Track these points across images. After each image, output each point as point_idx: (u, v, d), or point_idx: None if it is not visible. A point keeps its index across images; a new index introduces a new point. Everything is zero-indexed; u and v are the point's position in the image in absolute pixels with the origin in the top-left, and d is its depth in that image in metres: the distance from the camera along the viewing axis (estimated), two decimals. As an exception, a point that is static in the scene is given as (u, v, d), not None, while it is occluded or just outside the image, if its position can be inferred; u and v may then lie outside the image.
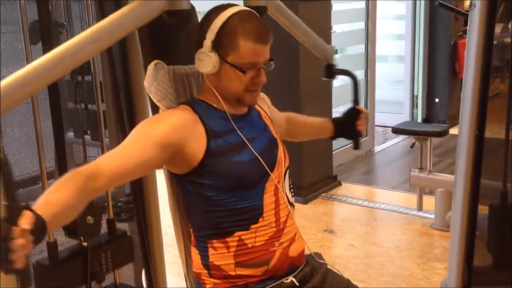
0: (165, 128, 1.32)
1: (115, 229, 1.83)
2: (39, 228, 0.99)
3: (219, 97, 1.39)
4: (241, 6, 1.39)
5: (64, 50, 1.19)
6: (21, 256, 0.93)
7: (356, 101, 1.83)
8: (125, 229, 1.91)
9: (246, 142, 1.38)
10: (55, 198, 1.09)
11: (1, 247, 0.91)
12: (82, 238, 1.69)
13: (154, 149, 1.29)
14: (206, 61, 1.34)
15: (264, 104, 1.60)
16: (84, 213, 1.65)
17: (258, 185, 1.39)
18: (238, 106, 1.44)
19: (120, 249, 1.80)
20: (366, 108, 5.16)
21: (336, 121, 1.79)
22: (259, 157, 1.38)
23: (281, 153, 1.48)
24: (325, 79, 1.93)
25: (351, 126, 1.78)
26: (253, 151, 1.38)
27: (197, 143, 1.34)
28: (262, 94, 1.59)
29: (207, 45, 1.34)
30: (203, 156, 1.34)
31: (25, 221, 0.97)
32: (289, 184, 1.50)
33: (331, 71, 1.91)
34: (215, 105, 1.41)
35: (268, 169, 1.40)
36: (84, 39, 1.21)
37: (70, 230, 1.70)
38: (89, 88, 1.90)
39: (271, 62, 1.40)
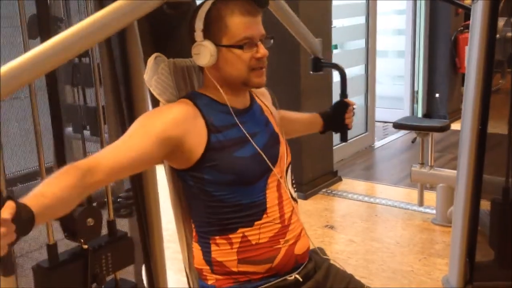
0: (165, 123, 1.30)
1: (116, 231, 1.81)
2: (24, 218, 0.99)
3: (221, 90, 1.37)
4: None
5: (62, 40, 1.16)
6: (2, 245, 0.93)
7: (343, 94, 1.83)
8: (126, 231, 1.90)
9: (248, 137, 1.36)
10: (49, 190, 1.08)
11: None
12: (82, 241, 1.67)
13: (153, 144, 1.27)
14: (203, 52, 1.33)
15: (267, 99, 1.58)
16: (84, 215, 1.64)
17: (260, 181, 1.37)
18: (241, 99, 1.42)
19: (121, 251, 1.78)
20: (367, 103, 5.17)
21: (324, 115, 1.79)
22: (261, 152, 1.36)
23: (283, 149, 1.47)
24: (312, 72, 1.95)
25: (339, 119, 1.78)
26: (255, 146, 1.36)
27: (197, 138, 1.32)
28: (264, 90, 1.57)
29: (198, 36, 1.33)
30: (203, 151, 1.32)
31: (7, 211, 0.96)
32: (291, 180, 1.49)
33: (318, 65, 1.94)
34: (217, 99, 1.39)
35: (270, 164, 1.38)
36: (83, 29, 1.19)
37: (70, 232, 1.68)
38: (86, 70, 1.88)
39: (269, 38, 1.38)
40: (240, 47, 1.32)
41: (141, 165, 1.33)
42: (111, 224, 1.79)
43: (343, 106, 1.78)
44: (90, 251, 1.65)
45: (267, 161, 1.37)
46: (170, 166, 1.41)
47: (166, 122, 1.30)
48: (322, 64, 1.94)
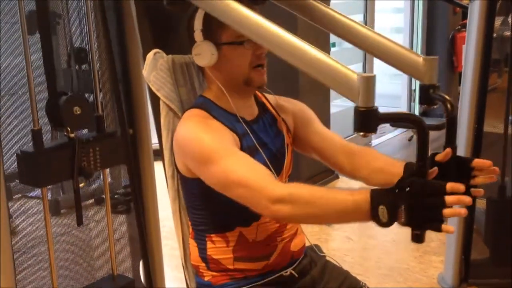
0: (221, 130, 1.30)
1: (104, 127, 1.76)
2: None
3: (225, 92, 1.34)
4: None
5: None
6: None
7: (452, 145, 1.23)
8: (115, 129, 1.84)
9: (259, 147, 1.34)
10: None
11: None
12: (69, 129, 1.62)
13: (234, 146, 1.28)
14: (203, 51, 1.33)
15: (285, 114, 1.51)
16: (70, 104, 1.58)
17: None
18: (250, 108, 1.41)
19: (109, 148, 1.72)
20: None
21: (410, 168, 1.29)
22: (269, 164, 1.33)
23: (288, 162, 1.45)
24: (422, 105, 1.36)
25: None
26: (264, 157, 1.34)
27: (236, 141, 1.31)
28: (295, 102, 1.54)
29: (198, 36, 1.32)
30: None
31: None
32: None
33: (428, 96, 1.31)
34: (224, 108, 1.37)
35: (275, 174, 1.35)
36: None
37: (57, 121, 1.62)
38: (85, 77, 1.88)
39: None
40: (241, 43, 1.32)
41: None
42: (99, 120, 1.75)
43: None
44: (77, 142, 1.60)
45: (273, 171, 1.33)
46: (170, 162, 1.41)
47: (221, 129, 1.30)
48: (436, 96, 1.28)
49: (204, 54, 1.33)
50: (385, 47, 1.33)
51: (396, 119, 1.22)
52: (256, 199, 1.16)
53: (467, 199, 1.00)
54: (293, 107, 1.53)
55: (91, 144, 1.66)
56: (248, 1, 1.30)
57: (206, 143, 1.24)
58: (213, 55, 1.32)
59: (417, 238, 1.04)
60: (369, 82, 1.02)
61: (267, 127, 1.43)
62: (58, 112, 1.60)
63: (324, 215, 1.14)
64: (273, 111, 1.48)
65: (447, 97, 1.25)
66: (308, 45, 1.12)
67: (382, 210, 1.05)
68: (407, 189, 1.02)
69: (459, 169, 1.22)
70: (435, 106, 1.30)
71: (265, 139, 1.40)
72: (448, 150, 1.20)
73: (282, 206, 1.12)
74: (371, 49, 1.37)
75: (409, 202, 1.01)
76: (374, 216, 1.06)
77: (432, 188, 1.01)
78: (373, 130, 1.04)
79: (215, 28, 1.32)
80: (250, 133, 1.35)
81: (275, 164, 1.37)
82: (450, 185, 1.00)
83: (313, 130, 1.52)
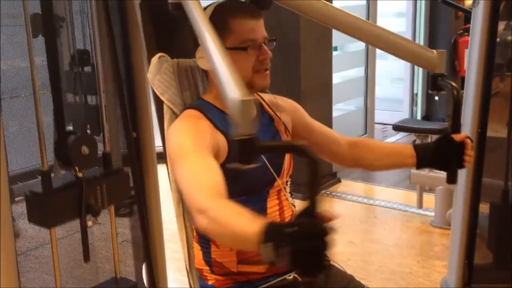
0: (208, 132, 1.30)
1: (111, 163, 1.75)
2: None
3: None
4: None
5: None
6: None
7: (457, 127, 1.46)
8: (121, 166, 1.84)
9: None
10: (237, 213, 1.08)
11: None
12: (76, 169, 1.62)
13: (210, 153, 1.26)
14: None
15: (287, 111, 1.54)
16: (79, 143, 1.59)
17: (262, 191, 1.38)
18: None
19: (116, 184, 1.71)
20: (366, 105, 5.18)
21: (422, 149, 1.51)
22: (268, 164, 1.36)
23: (287, 162, 1.46)
24: (431, 92, 1.58)
25: (446, 156, 1.46)
26: (262, 157, 1.35)
27: (221, 148, 1.32)
28: (290, 101, 1.56)
29: None
30: (223, 161, 1.31)
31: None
32: (290, 188, 1.49)
33: (438, 83, 1.52)
34: (223, 109, 1.38)
35: (275, 175, 1.38)
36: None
37: (65, 160, 1.62)
38: (88, 79, 1.88)
39: (272, 40, 1.38)
40: (244, 48, 1.33)
41: None
42: (106, 157, 1.77)
43: (454, 143, 1.44)
44: (85, 180, 1.60)
45: (273, 172, 1.37)
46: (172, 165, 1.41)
47: (207, 132, 1.30)
48: (444, 83, 1.51)
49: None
50: (400, 45, 1.53)
51: (277, 149, 1.23)
52: (189, 207, 1.18)
53: None
54: (289, 106, 1.56)
55: (98, 182, 1.68)
56: (253, 9, 1.33)
57: (181, 143, 1.27)
58: None
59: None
60: (247, 108, 0.92)
61: (265, 127, 1.45)
62: (66, 152, 1.62)
63: (225, 240, 1.15)
64: (270, 111, 1.49)
65: (453, 83, 1.47)
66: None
67: (268, 248, 0.93)
68: (295, 229, 0.91)
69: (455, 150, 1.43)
70: (443, 92, 1.53)
71: (263, 139, 1.40)
72: (465, 134, 1.44)
73: (202, 219, 1.09)
74: (387, 47, 1.54)
75: (294, 244, 0.90)
76: (261, 252, 0.95)
77: (317, 230, 0.90)
78: (252, 161, 0.96)
79: (219, 33, 1.32)
80: None
81: (274, 165, 1.39)
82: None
83: (310, 126, 1.57)
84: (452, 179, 1.48)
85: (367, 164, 1.57)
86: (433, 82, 1.51)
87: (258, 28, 1.35)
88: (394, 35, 1.52)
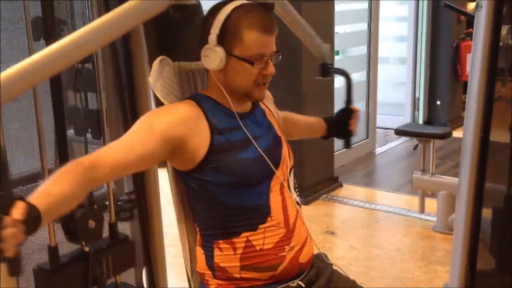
0: (169, 122, 1.30)
1: (117, 233, 1.80)
2: (32, 218, 0.99)
3: (226, 94, 1.37)
4: (244, 0, 1.37)
5: (67, 43, 1.17)
6: (11, 245, 0.93)
7: (349, 100, 1.83)
8: (127, 234, 1.89)
9: (252, 139, 1.37)
10: (54, 188, 1.09)
11: None
12: (83, 243, 1.66)
13: (157, 142, 1.27)
14: (213, 56, 1.33)
15: (270, 102, 1.59)
16: (86, 217, 1.64)
17: (263, 184, 1.37)
18: (244, 103, 1.43)
19: (122, 254, 1.78)
20: (368, 110, 5.17)
21: (328, 120, 1.79)
22: (264, 155, 1.36)
23: (286, 152, 1.47)
24: (320, 78, 1.94)
25: (343, 125, 1.76)
26: (258, 148, 1.36)
27: (200, 139, 1.32)
28: (267, 92, 1.57)
29: (212, 40, 1.33)
30: (206, 152, 1.32)
31: (17, 211, 0.96)
32: (294, 184, 1.48)
33: (327, 70, 1.93)
34: (220, 102, 1.40)
35: (273, 167, 1.38)
36: (88, 32, 1.19)
37: (72, 234, 1.67)
38: (88, 76, 1.88)
39: (278, 55, 1.38)
40: (251, 62, 1.33)
41: (144, 163, 1.33)
42: (112, 227, 1.78)
43: (348, 112, 1.77)
44: (91, 253, 1.65)
45: (270, 163, 1.37)
46: (173, 168, 1.41)
47: (171, 121, 1.30)
48: (330, 70, 1.93)
49: (212, 58, 1.33)
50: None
51: None
52: None
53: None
54: (270, 96, 1.62)
55: (104, 253, 1.72)
56: (270, 22, 1.34)
57: (150, 117, 1.33)
58: (221, 63, 1.33)
59: None
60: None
61: (260, 120, 1.46)
62: (73, 226, 1.66)
63: None
64: (262, 104, 1.51)
65: (341, 68, 1.94)
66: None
67: None
68: None
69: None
70: (328, 78, 1.94)
71: (259, 131, 1.42)
72: (356, 107, 1.79)
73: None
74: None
75: None
76: None
77: None
78: None
79: (230, 38, 1.32)
80: (243, 127, 1.37)
81: (272, 156, 1.40)
82: (10, 220, 0.94)
83: (284, 113, 1.70)
84: (347, 144, 1.86)
85: (291, 136, 1.69)
86: (322, 70, 1.92)
87: (269, 45, 1.35)
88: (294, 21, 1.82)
